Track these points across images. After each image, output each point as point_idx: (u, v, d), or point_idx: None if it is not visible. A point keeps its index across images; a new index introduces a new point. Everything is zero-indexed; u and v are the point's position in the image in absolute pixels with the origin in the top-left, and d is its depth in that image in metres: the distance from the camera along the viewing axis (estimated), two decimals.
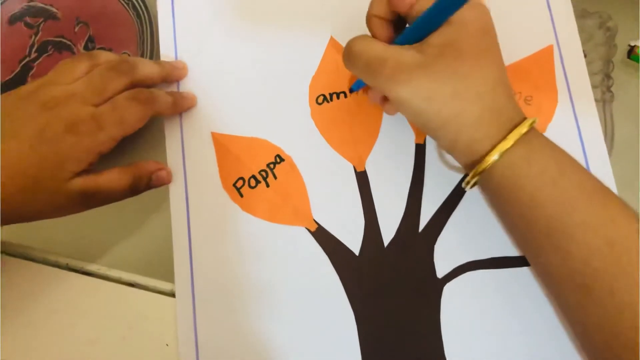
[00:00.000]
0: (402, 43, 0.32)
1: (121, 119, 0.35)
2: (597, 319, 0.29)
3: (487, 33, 0.32)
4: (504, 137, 0.30)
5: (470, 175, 0.32)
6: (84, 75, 0.37)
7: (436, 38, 0.31)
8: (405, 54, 0.31)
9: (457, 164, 0.36)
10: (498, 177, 0.31)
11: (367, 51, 0.32)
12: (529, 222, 0.31)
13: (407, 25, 0.33)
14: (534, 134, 0.31)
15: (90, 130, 0.34)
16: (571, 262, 0.29)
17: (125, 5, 0.49)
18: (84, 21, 0.50)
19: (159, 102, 0.38)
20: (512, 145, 0.30)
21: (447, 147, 0.33)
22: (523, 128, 0.30)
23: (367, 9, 0.34)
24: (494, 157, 0.30)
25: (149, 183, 0.38)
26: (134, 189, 0.38)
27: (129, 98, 0.36)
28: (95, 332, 0.40)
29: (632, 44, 0.42)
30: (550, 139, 0.31)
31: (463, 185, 0.33)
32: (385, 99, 0.36)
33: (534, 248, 0.32)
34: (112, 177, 0.36)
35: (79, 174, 0.35)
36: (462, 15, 0.30)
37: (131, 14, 0.49)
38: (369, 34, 0.35)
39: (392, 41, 0.33)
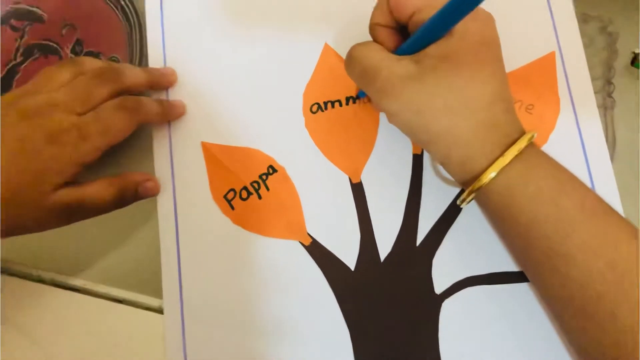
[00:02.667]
0: (403, 52, 0.31)
1: (106, 129, 0.34)
2: (597, 342, 0.28)
3: (489, 45, 0.30)
4: (501, 154, 0.29)
5: (466, 193, 0.31)
6: (68, 83, 0.35)
7: (434, 49, 0.29)
8: (399, 64, 0.30)
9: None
10: (494, 196, 0.29)
11: (364, 59, 0.31)
12: (527, 243, 0.29)
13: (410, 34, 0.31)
14: (533, 151, 0.30)
15: (73, 140, 0.33)
16: (571, 285, 0.28)
17: (114, 7, 0.48)
18: (71, 24, 0.49)
19: (146, 110, 0.36)
20: (509, 163, 0.28)
21: (440, 161, 0.32)
22: (521, 144, 0.29)
23: (370, 17, 0.33)
24: (490, 175, 0.29)
25: (135, 195, 0.37)
26: (120, 201, 0.36)
27: (115, 106, 0.35)
28: (80, 350, 0.38)
29: (636, 52, 0.41)
30: (549, 154, 0.30)
31: (458, 202, 0.32)
32: None
33: (533, 269, 0.30)
34: (96, 189, 0.35)
35: (62, 186, 0.34)
36: (465, 26, 0.29)
37: (120, 16, 0.47)
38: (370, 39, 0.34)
39: (396, 49, 0.32)
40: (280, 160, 0.38)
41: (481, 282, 0.36)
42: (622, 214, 0.34)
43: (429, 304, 0.36)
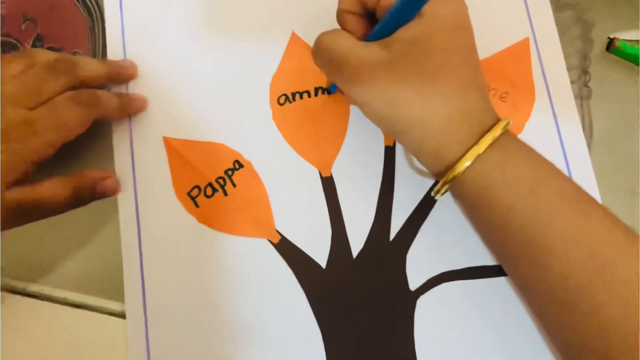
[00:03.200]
0: (373, 39, 0.29)
1: (59, 123, 0.32)
2: (580, 336, 0.27)
3: (461, 29, 0.29)
4: (476, 142, 0.27)
5: (440, 183, 0.29)
6: (19, 75, 0.33)
7: (404, 33, 0.28)
8: (368, 51, 0.28)
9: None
10: (470, 185, 0.28)
11: (332, 47, 0.29)
12: (505, 234, 0.28)
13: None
14: (509, 138, 0.28)
15: (22, 136, 0.31)
16: (551, 276, 0.27)
17: (76, 1, 0.46)
18: (31, 18, 0.46)
19: (103, 103, 0.34)
20: (485, 151, 0.27)
21: (413, 152, 0.30)
22: (496, 131, 0.27)
23: (337, 4, 0.31)
24: (465, 164, 0.27)
25: (93, 194, 0.35)
26: (77, 201, 0.34)
27: (69, 100, 0.33)
28: (39, 358, 0.36)
29: (612, 37, 0.40)
30: (526, 143, 0.29)
31: (432, 194, 0.30)
32: None
33: (511, 261, 0.29)
34: (51, 188, 0.33)
35: (14, 184, 0.31)
36: (435, 9, 0.28)
37: (82, 10, 0.45)
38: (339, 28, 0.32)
39: (365, 36, 0.31)
40: (246, 155, 0.37)
41: (457, 278, 0.34)
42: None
43: (404, 301, 0.34)
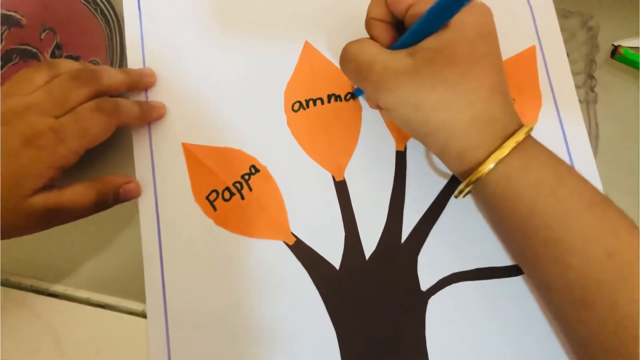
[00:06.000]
0: (399, 47, 0.31)
1: (84, 131, 0.33)
2: (596, 332, 0.28)
3: (486, 38, 0.30)
4: (499, 146, 0.29)
5: (464, 184, 0.30)
6: (44, 85, 0.34)
7: (430, 42, 0.29)
8: (394, 59, 0.30)
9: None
10: (493, 187, 0.29)
11: (359, 55, 0.31)
12: (526, 234, 0.29)
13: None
14: (531, 142, 0.30)
15: (49, 143, 0.32)
16: (570, 274, 0.28)
17: (93, 10, 0.47)
18: (50, 28, 0.48)
19: (125, 112, 0.36)
20: (508, 154, 0.28)
21: (437, 153, 0.32)
22: (519, 136, 0.29)
23: (367, 12, 0.33)
24: (488, 166, 0.29)
25: (116, 197, 0.36)
26: (100, 205, 0.36)
27: (92, 108, 0.34)
28: (62, 357, 0.37)
29: (616, 44, 0.41)
30: (546, 147, 0.30)
31: (455, 194, 0.32)
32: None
33: (531, 260, 0.30)
34: (75, 193, 0.34)
35: (40, 190, 0.33)
36: (461, 18, 0.29)
37: (99, 19, 0.47)
38: (361, 37, 0.33)
39: (392, 44, 0.32)
40: (262, 160, 0.38)
41: (467, 278, 0.35)
42: None
43: (415, 302, 0.35)
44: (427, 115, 0.29)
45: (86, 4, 0.47)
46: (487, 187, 0.30)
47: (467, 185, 0.30)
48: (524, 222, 0.29)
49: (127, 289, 0.39)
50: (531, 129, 0.29)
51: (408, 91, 0.29)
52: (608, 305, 0.27)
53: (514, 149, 0.28)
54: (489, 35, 0.30)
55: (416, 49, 0.29)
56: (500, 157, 0.28)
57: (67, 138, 0.33)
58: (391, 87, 0.29)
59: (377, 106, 0.35)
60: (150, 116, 0.38)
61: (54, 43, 0.48)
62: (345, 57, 0.32)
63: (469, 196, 0.36)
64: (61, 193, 0.34)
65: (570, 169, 0.30)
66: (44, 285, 0.40)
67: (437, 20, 0.28)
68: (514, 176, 0.29)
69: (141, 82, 0.39)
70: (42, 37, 0.48)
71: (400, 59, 0.29)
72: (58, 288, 0.39)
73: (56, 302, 0.39)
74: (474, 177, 0.29)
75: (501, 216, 0.30)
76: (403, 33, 0.31)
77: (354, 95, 0.38)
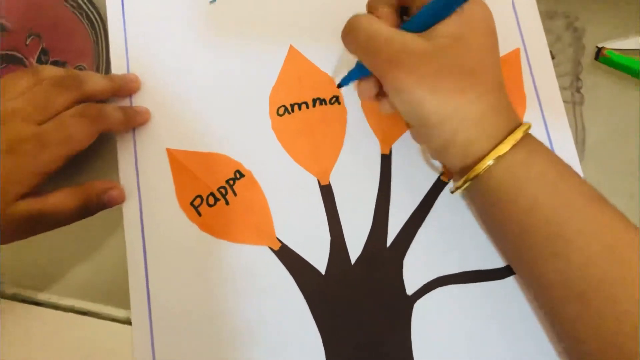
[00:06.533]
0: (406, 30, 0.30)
1: (67, 137, 0.33)
2: (594, 329, 0.27)
3: (493, 33, 0.30)
4: (503, 139, 0.29)
5: (464, 178, 0.30)
6: (27, 91, 0.34)
7: (445, 28, 0.29)
8: (412, 39, 0.29)
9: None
10: (495, 180, 0.29)
11: (372, 27, 0.30)
12: (526, 228, 0.29)
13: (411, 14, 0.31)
14: (531, 138, 0.30)
15: (32, 149, 0.32)
16: (570, 269, 0.28)
17: (79, 15, 0.47)
18: (36, 33, 0.48)
19: (109, 118, 0.36)
20: (512, 148, 0.28)
21: (440, 147, 0.31)
22: (524, 127, 0.29)
23: None
24: (491, 159, 0.29)
25: (99, 204, 0.36)
26: (84, 211, 0.35)
27: (76, 114, 0.34)
28: None
29: (600, 46, 0.41)
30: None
31: (452, 189, 0.32)
32: (379, 95, 0.34)
33: (528, 257, 0.30)
34: (59, 200, 0.34)
35: (24, 196, 0.33)
36: (471, 11, 0.29)
37: (85, 25, 0.46)
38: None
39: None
40: (247, 165, 0.38)
41: (453, 282, 0.35)
42: None
43: (401, 306, 0.35)
44: (442, 101, 0.29)
45: (72, 9, 0.46)
46: (489, 181, 0.29)
47: (466, 180, 0.30)
48: (525, 216, 0.29)
49: (112, 296, 0.38)
50: (530, 126, 0.30)
51: (426, 73, 0.28)
52: (608, 301, 0.27)
53: (517, 143, 0.29)
54: (494, 32, 0.31)
55: (432, 34, 0.29)
56: (504, 151, 0.28)
57: (51, 144, 0.33)
58: (409, 66, 0.28)
59: (375, 95, 0.34)
60: (135, 121, 0.38)
61: (40, 48, 0.48)
62: (354, 27, 0.31)
63: (455, 199, 0.36)
64: (44, 199, 0.34)
65: (568, 165, 0.30)
66: (27, 293, 0.39)
67: (448, 6, 0.28)
68: (517, 169, 0.29)
69: (125, 88, 0.39)
70: (28, 42, 0.48)
71: (416, 40, 0.29)
72: (41, 296, 0.39)
73: (40, 310, 0.39)
74: (477, 169, 0.29)
75: (500, 212, 0.30)
76: (403, 19, 0.31)
77: (339, 86, 0.36)
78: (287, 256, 0.36)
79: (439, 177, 0.37)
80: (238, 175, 0.37)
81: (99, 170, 0.40)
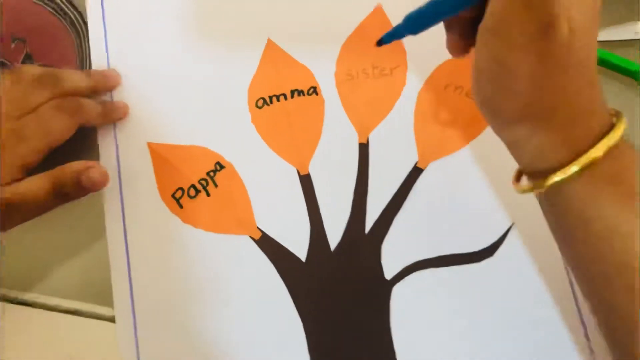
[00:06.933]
0: None
1: (45, 130, 0.34)
2: None
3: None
4: (607, 133, 0.25)
5: (568, 167, 0.26)
6: (6, 90, 0.35)
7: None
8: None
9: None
10: (573, 192, 0.26)
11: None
12: (599, 255, 0.26)
13: None
14: (623, 144, 0.26)
15: (9, 143, 0.33)
16: None
17: (62, 19, 0.47)
18: (20, 38, 0.48)
19: (87, 110, 0.36)
20: (604, 155, 0.25)
21: (559, 133, 0.26)
22: (617, 135, 0.26)
23: None
24: (603, 148, 0.25)
25: (77, 186, 0.34)
26: (59, 195, 0.34)
27: (53, 108, 0.34)
28: None
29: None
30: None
31: (536, 184, 0.28)
32: (464, 41, 0.29)
33: (600, 284, 0.27)
34: (30, 185, 0.33)
35: None
36: None
37: (68, 28, 0.47)
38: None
39: None
40: (227, 157, 0.38)
41: (430, 266, 0.36)
42: None
43: (380, 290, 0.36)
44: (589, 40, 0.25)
45: (54, 13, 0.47)
46: (565, 190, 0.26)
47: (573, 174, 0.26)
48: (599, 241, 0.26)
49: (98, 295, 0.38)
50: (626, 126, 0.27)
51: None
52: None
53: (610, 148, 0.25)
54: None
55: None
56: (600, 154, 0.25)
57: (28, 137, 0.33)
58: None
59: (458, 40, 0.29)
60: (113, 115, 0.38)
61: (24, 53, 0.48)
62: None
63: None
64: (16, 187, 0.33)
65: None
66: (13, 293, 0.39)
67: None
68: (603, 184, 0.26)
69: (105, 84, 0.39)
70: (12, 47, 0.48)
71: None
72: (28, 296, 0.39)
73: (27, 310, 0.39)
74: (590, 156, 0.25)
75: (574, 228, 0.27)
76: None
77: (379, 43, 0.32)
78: (268, 245, 0.36)
79: (415, 165, 0.37)
80: (218, 167, 0.38)
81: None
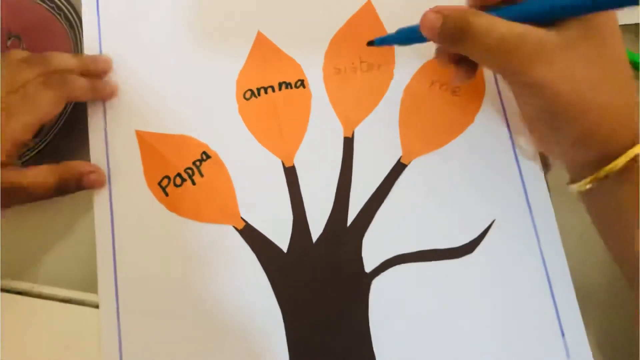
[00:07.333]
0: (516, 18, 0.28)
1: (32, 105, 0.34)
2: None
3: (617, 22, 0.29)
4: None
5: (606, 169, 0.29)
6: None
7: (575, 21, 0.28)
8: (544, 32, 0.28)
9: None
10: (631, 179, 0.28)
11: (497, 28, 0.28)
12: None
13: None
14: None
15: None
16: None
17: (57, 15, 0.48)
18: (15, 35, 0.48)
19: (73, 85, 0.37)
20: None
21: (575, 140, 0.29)
22: None
23: None
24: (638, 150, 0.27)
25: (78, 185, 0.37)
26: (61, 189, 0.36)
27: (40, 83, 0.35)
28: (30, 354, 0.37)
29: None
30: None
31: (582, 184, 0.30)
32: (458, 60, 0.33)
33: None
34: (38, 174, 0.35)
35: (2, 166, 0.34)
36: None
37: (64, 24, 0.47)
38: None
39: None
40: (213, 147, 0.39)
41: (410, 260, 0.36)
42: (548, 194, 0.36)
43: (359, 283, 0.36)
44: (585, 91, 0.28)
45: (50, 9, 0.47)
46: (625, 175, 0.28)
47: (617, 169, 0.28)
48: None
49: (94, 283, 0.38)
50: None
51: (566, 66, 0.27)
52: None
53: None
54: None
55: (563, 26, 0.28)
56: None
57: (16, 112, 0.34)
58: (549, 59, 0.27)
59: (450, 60, 0.33)
60: (101, 91, 0.39)
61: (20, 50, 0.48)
62: (476, 31, 0.28)
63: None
64: (23, 172, 0.35)
65: None
66: (9, 283, 0.40)
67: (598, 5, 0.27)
68: None
69: (95, 67, 0.39)
70: (8, 44, 0.48)
71: (549, 34, 0.28)
72: (23, 286, 0.40)
73: (22, 299, 0.39)
74: (624, 159, 0.28)
75: (627, 220, 0.29)
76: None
77: (371, 43, 0.35)
78: (251, 235, 0.37)
79: (398, 160, 0.38)
80: (204, 157, 0.38)
81: (70, 153, 0.41)
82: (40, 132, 0.42)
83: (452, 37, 0.29)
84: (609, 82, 0.28)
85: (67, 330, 0.39)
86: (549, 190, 0.37)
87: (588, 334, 0.34)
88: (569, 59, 0.28)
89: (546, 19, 0.28)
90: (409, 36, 0.33)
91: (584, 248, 0.39)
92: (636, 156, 0.28)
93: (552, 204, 0.37)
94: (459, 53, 0.31)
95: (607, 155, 0.29)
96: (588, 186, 0.30)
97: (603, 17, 0.28)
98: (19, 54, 0.37)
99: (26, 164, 0.42)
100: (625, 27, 0.42)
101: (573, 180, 0.31)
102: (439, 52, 0.34)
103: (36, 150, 0.42)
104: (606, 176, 0.29)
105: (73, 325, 0.39)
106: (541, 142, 0.34)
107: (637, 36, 0.42)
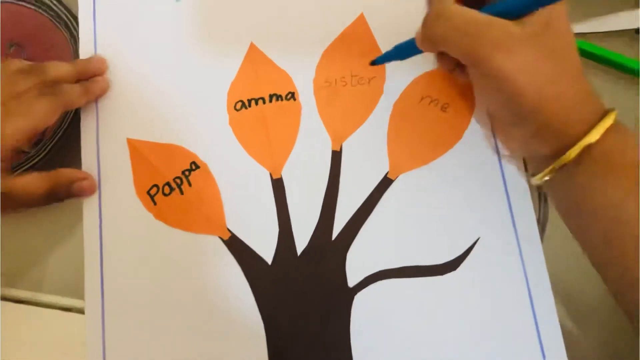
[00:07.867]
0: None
1: (28, 113, 0.35)
2: None
3: (568, 19, 0.31)
4: (596, 123, 0.29)
5: (560, 160, 0.30)
6: None
7: (536, 16, 0.29)
8: (510, 24, 0.29)
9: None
10: (587, 166, 0.30)
11: (466, 12, 0.30)
12: (614, 225, 0.29)
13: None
14: (620, 124, 0.30)
15: None
16: None
17: (57, 24, 0.48)
18: (17, 43, 0.49)
19: (67, 91, 0.37)
20: (606, 132, 0.29)
21: (533, 133, 0.31)
22: (613, 115, 0.30)
23: None
24: (589, 141, 0.29)
25: (68, 192, 0.37)
26: (52, 197, 0.37)
27: (36, 92, 0.36)
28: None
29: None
30: None
31: (536, 179, 0.32)
32: (458, 66, 0.34)
33: (618, 254, 0.29)
34: (29, 181, 0.36)
35: None
36: None
37: (64, 32, 0.48)
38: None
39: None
40: (203, 157, 0.39)
41: (393, 276, 0.36)
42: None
43: (342, 297, 0.36)
44: (542, 85, 0.29)
45: (50, 18, 0.48)
46: (581, 166, 0.30)
47: (568, 160, 0.30)
48: (615, 210, 0.29)
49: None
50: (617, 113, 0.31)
51: (527, 58, 0.29)
52: None
53: (610, 126, 0.29)
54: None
55: (523, 20, 0.29)
56: (602, 132, 0.29)
57: (11, 117, 0.35)
58: (511, 49, 0.29)
59: (451, 66, 0.35)
60: (94, 90, 0.39)
61: (22, 58, 0.49)
62: (446, 13, 0.30)
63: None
64: (15, 179, 0.35)
65: None
66: (9, 291, 0.40)
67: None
68: (612, 154, 0.29)
69: (90, 70, 0.40)
70: (10, 52, 0.49)
71: (513, 26, 0.29)
72: (23, 294, 0.40)
73: (22, 308, 0.39)
74: (576, 150, 0.29)
75: (587, 203, 0.30)
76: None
77: (374, 63, 0.38)
78: (236, 246, 0.37)
79: (385, 175, 0.38)
80: (194, 167, 0.39)
81: (62, 159, 0.41)
82: (37, 144, 0.43)
83: (429, 17, 0.31)
84: (564, 74, 0.30)
85: (66, 338, 0.39)
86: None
87: (587, 349, 0.34)
88: (528, 52, 0.29)
89: (512, 15, 0.30)
90: (407, 49, 0.35)
91: (572, 265, 0.38)
92: (588, 146, 0.29)
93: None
94: (440, 50, 0.33)
95: (563, 146, 0.30)
96: (546, 178, 0.31)
97: (556, 9, 0.29)
98: (15, 64, 0.38)
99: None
100: (621, 32, 0.42)
101: (533, 174, 0.33)
102: (439, 58, 0.36)
103: (32, 162, 0.43)
104: (563, 167, 0.30)
105: (72, 333, 0.39)
106: (504, 139, 0.36)
107: (632, 40, 0.42)
